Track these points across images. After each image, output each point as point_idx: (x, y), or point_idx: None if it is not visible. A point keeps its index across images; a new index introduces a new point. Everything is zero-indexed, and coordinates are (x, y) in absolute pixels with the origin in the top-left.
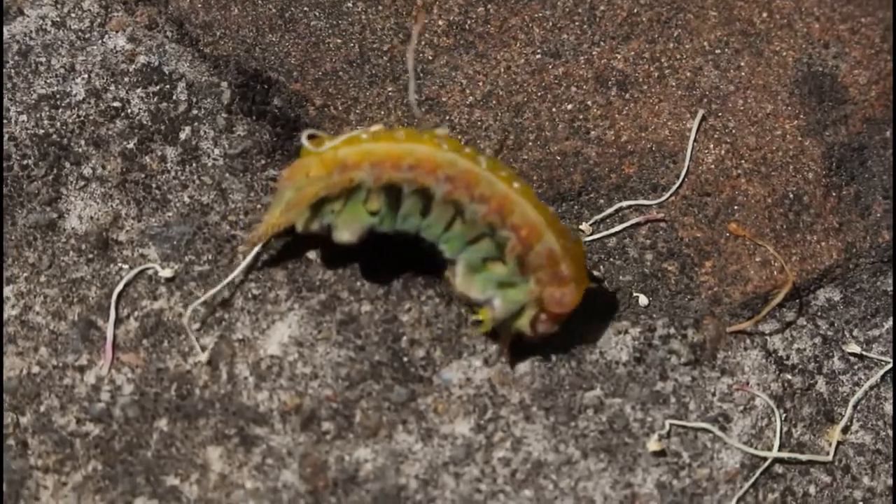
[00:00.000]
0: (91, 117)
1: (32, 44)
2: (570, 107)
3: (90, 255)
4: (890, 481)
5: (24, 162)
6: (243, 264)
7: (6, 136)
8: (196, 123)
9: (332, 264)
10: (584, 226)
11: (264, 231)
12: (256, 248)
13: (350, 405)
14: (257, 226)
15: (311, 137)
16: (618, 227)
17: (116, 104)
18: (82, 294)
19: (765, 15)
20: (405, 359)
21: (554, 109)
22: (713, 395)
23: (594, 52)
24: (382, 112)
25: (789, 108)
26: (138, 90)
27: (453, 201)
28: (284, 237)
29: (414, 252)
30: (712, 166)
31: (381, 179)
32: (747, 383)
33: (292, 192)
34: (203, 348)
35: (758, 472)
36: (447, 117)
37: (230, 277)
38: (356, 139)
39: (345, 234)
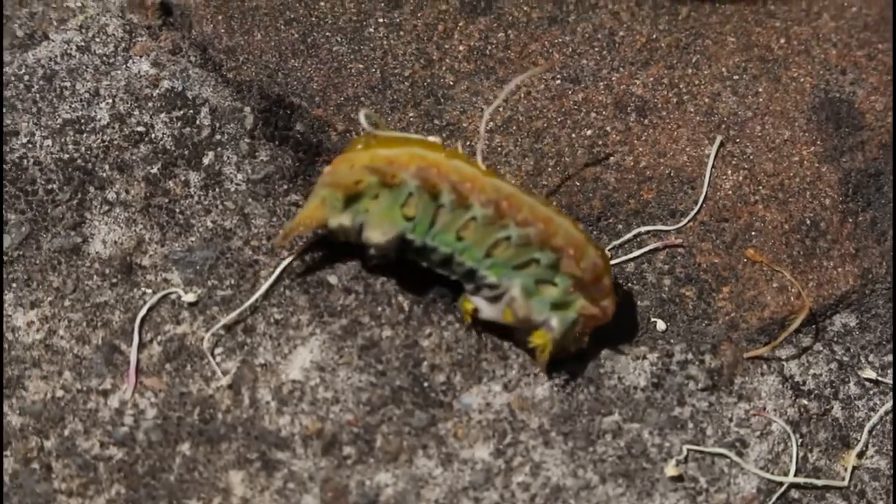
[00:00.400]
0: (115, 142)
1: (57, 68)
2: (589, 132)
3: (114, 280)
4: None
5: (49, 186)
6: (263, 288)
7: (31, 161)
8: (219, 148)
9: (353, 289)
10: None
11: (298, 223)
12: (281, 268)
13: (371, 430)
14: (293, 218)
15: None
16: (636, 253)
17: (140, 129)
18: (106, 318)
19: (783, 41)
20: (426, 384)
21: (573, 135)
22: (730, 420)
23: (613, 78)
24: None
25: (806, 133)
26: (162, 115)
27: (500, 223)
28: (306, 261)
29: (432, 278)
30: (730, 192)
31: (426, 182)
32: (764, 409)
33: (333, 180)
34: (225, 373)
35: (774, 498)
36: (468, 143)
37: (249, 302)
38: (410, 141)
39: (376, 233)
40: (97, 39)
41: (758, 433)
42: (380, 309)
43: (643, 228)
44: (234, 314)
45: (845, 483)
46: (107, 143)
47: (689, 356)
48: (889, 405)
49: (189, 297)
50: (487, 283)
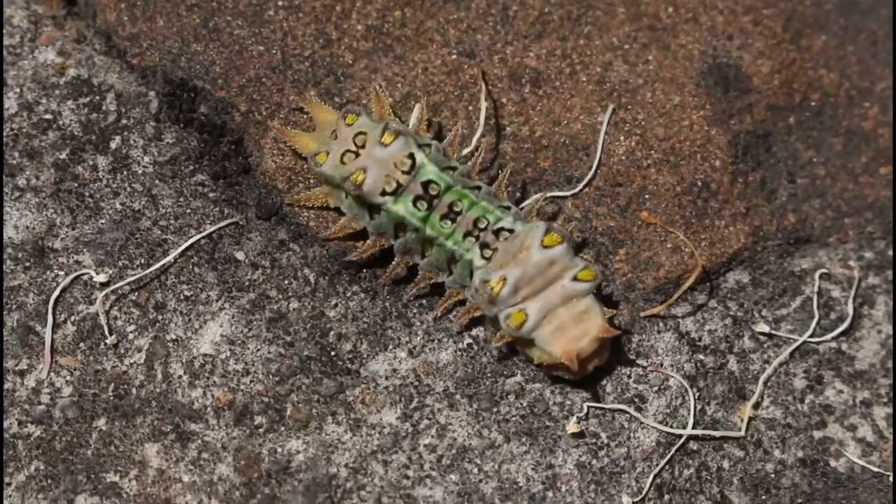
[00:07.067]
0: (24, 130)
1: None
2: (485, 104)
3: (27, 264)
4: (800, 453)
5: None
6: (170, 257)
7: None
8: (126, 133)
9: (260, 264)
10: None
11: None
12: (189, 242)
13: (281, 399)
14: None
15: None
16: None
17: (48, 116)
18: (20, 301)
19: (671, 10)
20: (333, 353)
21: (470, 108)
22: (629, 377)
23: (508, 51)
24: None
25: (696, 98)
26: (69, 102)
27: None
28: (213, 239)
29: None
30: (623, 157)
31: None
32: (661, 365)
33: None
34: (112, 331)
35: (673, 450)
36: None
37: (154, 268)
38: None
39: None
40: (3, 31)
41: (656, 389)
42: (286, 282)
43: (541, 195)
44: (134, 276)
45: (742, 433)
46: (16, 131)
47: None
48: (782, 357)
49: (100, 278)
50: (469, 260)
